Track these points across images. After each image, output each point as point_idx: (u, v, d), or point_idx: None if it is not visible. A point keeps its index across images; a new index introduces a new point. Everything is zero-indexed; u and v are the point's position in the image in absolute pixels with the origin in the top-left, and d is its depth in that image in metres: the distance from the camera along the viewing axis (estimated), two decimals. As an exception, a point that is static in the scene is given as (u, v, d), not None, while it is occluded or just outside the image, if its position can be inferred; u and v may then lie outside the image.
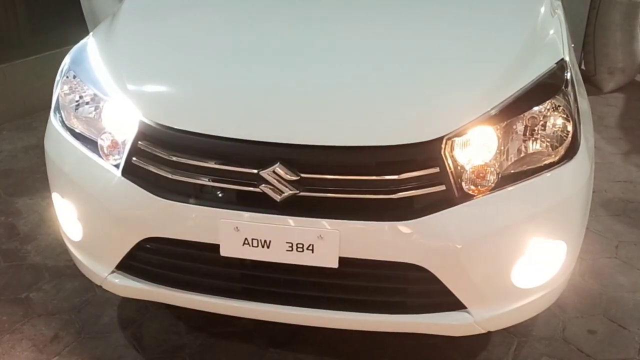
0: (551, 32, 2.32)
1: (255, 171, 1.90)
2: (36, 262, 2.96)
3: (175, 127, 1.97)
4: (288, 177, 1.88)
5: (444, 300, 1.99)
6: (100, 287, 2.22)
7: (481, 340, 2.49)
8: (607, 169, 3.95)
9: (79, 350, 2.44)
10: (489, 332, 2.14)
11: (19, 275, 2.87)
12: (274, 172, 1.88)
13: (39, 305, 2.68)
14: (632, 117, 4.90)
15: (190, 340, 2.50)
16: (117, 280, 2.16)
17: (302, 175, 1.88)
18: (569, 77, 2.12)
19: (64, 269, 2.82)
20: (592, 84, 5.44)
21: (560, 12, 2.51)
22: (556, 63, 2.13)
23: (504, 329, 2.28)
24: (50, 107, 2.31)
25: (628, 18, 5.32)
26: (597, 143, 4.25)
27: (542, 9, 2.39)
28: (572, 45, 2.55)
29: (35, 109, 4.27)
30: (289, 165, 1.88)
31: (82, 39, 2.45)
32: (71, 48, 2.41)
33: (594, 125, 3.68)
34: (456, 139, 1.91)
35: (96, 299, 2.69)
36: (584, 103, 2.20)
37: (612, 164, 4.03)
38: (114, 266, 2.14)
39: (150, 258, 2.11)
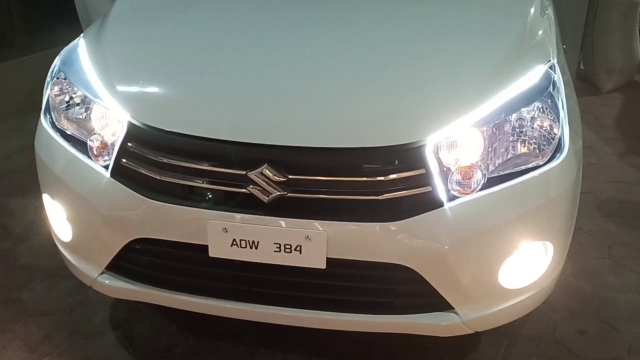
0: (540, 33, 2.32)
1: (243, 172, 1.90)
2: (28, 262, 2.97)
3: (164, 128, 1.98)
4: (275, 178, 1.88)
5: (431, 300, 1.99)
6: (91, 287, 2.23)
7: (471, 341, 2.49)
8: (603, 169, 3.94)
9: (70, 351, 2.45)
10: (479, 332, 2.14)
11: (11, 276, 2.88)
12: (261, 173, 1.88)
13: (30, 305, 2.69)
14: (630, 117, 4.89)
15: (181, 340, 2.51)
16: (107, 281, 2.17)
17: (290, 176, 1.89)
18: (556, 78, 2.12)
19: (56, 269, 2.82)
20: (590, 84, 5.43)
21: (550, 12, 2.51)
22: (544, 64, 2.14)
23: (494, 329, 2.27)
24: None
25: (626, 18, 5.31)
26: (594, 143, 4.26)
27: (532, 10, 2.39)
28: (564, 46, 2.54)
29: (29, 110, 4.24)
30: (276, 166, 1.89)
31: (76, 38, 2.46)
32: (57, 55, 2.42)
33: (591, 125, 3.67)
34: (442, 140, 1.91)
35: (88, 300, 2.69)
36: (572, 104, 2.20)
37: (608, 165, 4.03)
38: (104, 267, 2.15)
39: (139, 259, 2.12)
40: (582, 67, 5.58)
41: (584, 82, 5.42)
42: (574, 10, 4.97)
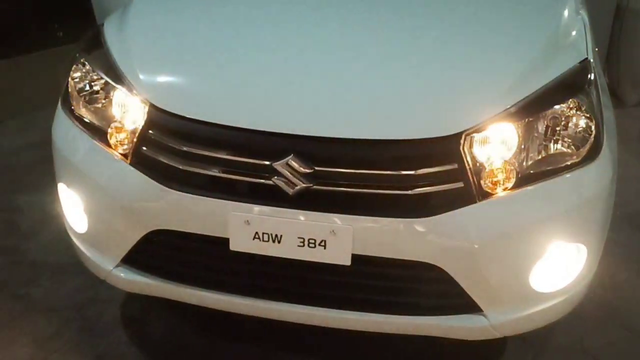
0: (575, 31, 2.26)
1: (268, 163, 1.84)
2: (37, 258, 2.90)
3: (187, 116, 1.91)
4: (302, 169, 1.82)
5: (459, 302, 1.92)
6: (104, 283, 2.16)
7: (496, 348, 2.41)
8: (630, 182, 3.83)
9: (80, 348, 2.38)
10: (505, 340, 2.07)
11: (18, 272, 2.81)
12: (287, 164, 1.82)
13: (39, 301, 2.63)
14: (656, 131, 4.82)
15: (195, 340, 2.44)
16: (122, 274, 2.09)
17: (316, 168, 1.82)
18: (592, 77, 2.06)
19: (66, 266, 2.76)
20: (615, 97, 5.33)
21: (584, 14, 2.46)
22: (579, 62, 2.08)
23: (520, 338, 2.20)
24: (55, 103, 2.26)
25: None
26: (620, 156, 4.15)
27: (567, 8, 2.34)
28: (597, 49, 2.48)
29: (39, 106, 4.16)
30: (303, 157, 1.82)
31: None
32: (77, 45, 2.37)
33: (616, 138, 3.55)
34: (475, 135, 1.85)
35: (98, 297, 2.62)
36: (607, 112, 2.13)
37: (635, 177, 3.94)
38: (120, 259, 2.07)
39: (157, 252, 2.05)
40: (606, 79, 5.49)
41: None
42: (600, 21, 4.90)
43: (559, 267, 1.96)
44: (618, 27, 5.23)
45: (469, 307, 1.93)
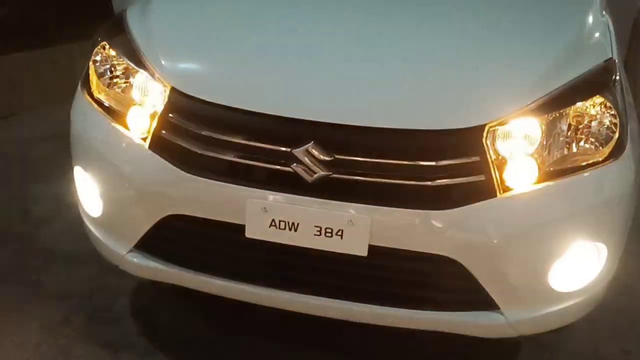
0: (600, 32, 2.25)
1: (287, 149, 1.82)
2: (49, 246, 2.88)
3: (208, 100, 1.91)
4: (321, 157, 1.80)
5: (476, 298, 1.89)
6: (115, 272, 2.16)
7: (510, 352, 2.37)
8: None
9: (89, 335, 2.36)
10: (519, 343, 2.03)
11: (30, 258, 2.80)
12: (307, 151, 1.80)
13: (49, 288, 2.61)
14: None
15: (205, 332, 2.41)
16: (135, 260, 2.07)
17: (336, 156, 1.80)
18: (617, 77, 2.05)
19: (77, 254, 2.74)
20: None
21: (608, 17, 2.44)
22: (604, 61, 2.06)
23: (534, 342, 2.16)
24: (70, 98, 2.26)
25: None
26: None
27: (591, 10, 2.33)
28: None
29: (55, 100, 4.17)
30: (323, 145, 1.80)
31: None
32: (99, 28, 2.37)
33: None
34: (499, 128, 1.83)
35: (109, 286, 2.60)
36: (632, 123, 2.10)
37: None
38: (133, 244, 2.05)
39: (170, 237, 2.03)
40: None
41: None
42: (617, 36, 4.89)
43: (578, 266, 1.93)
44: (635, 43, 5.22)
45: (486, 303, 1.90)
